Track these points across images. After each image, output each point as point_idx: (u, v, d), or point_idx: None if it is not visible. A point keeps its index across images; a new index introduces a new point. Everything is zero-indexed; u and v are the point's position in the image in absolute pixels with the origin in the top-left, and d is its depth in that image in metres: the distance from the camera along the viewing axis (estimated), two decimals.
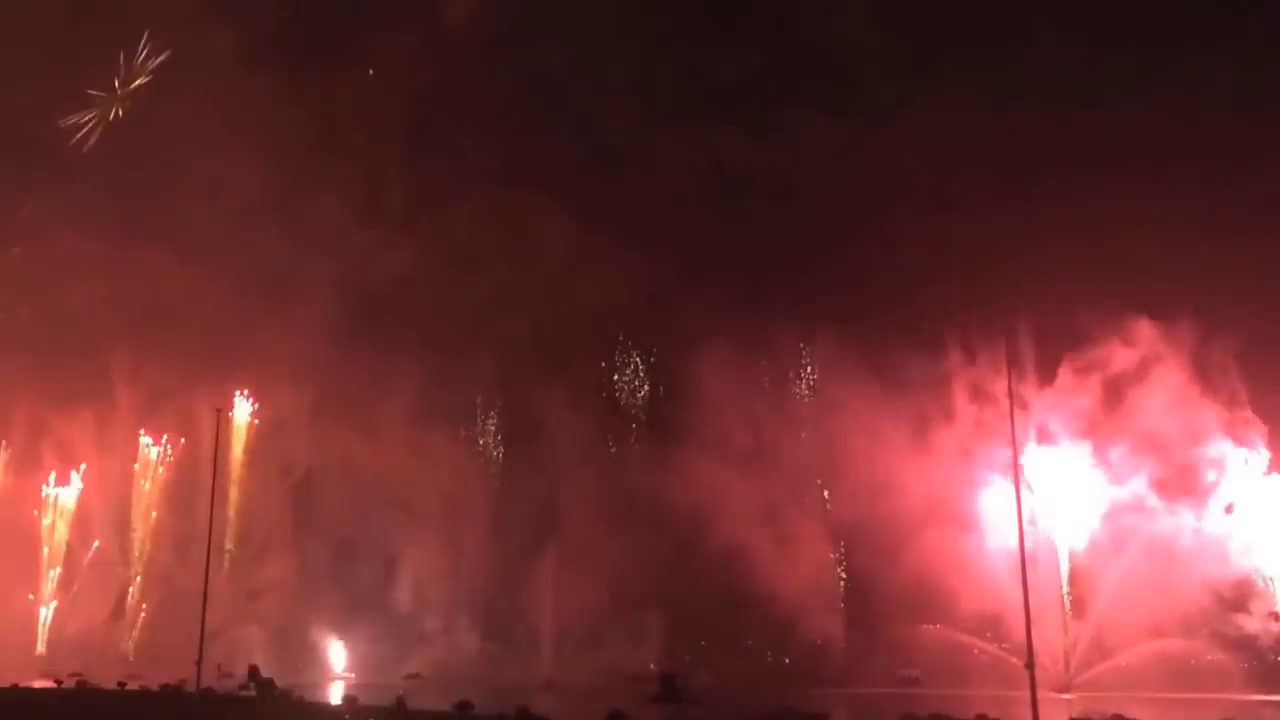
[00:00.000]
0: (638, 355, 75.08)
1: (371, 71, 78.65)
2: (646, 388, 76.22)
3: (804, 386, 73.25)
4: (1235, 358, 59.34)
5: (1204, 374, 59.35)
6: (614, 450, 72.88)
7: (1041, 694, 34.69)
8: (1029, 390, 60.26)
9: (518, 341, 73.10)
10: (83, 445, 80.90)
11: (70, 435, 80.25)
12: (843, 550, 68.85)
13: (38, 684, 64.39)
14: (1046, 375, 61.62)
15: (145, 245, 74.13)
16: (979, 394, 62.74)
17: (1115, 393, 60.04)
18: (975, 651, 62.08)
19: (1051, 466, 60.76)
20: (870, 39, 68.62)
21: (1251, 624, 57.85)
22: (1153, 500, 58.14)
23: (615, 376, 75.43)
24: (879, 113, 69.86)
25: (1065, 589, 60.67)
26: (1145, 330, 59.17)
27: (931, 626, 62.49)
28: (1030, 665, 35.72)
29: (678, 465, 67.84)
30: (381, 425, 71.74)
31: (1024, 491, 43.23)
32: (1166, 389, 58.79)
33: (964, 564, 59.46)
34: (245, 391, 77.82)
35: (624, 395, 75.06)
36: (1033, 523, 52.70)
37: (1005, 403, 60.27)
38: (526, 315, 72.97)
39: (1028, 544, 38.57)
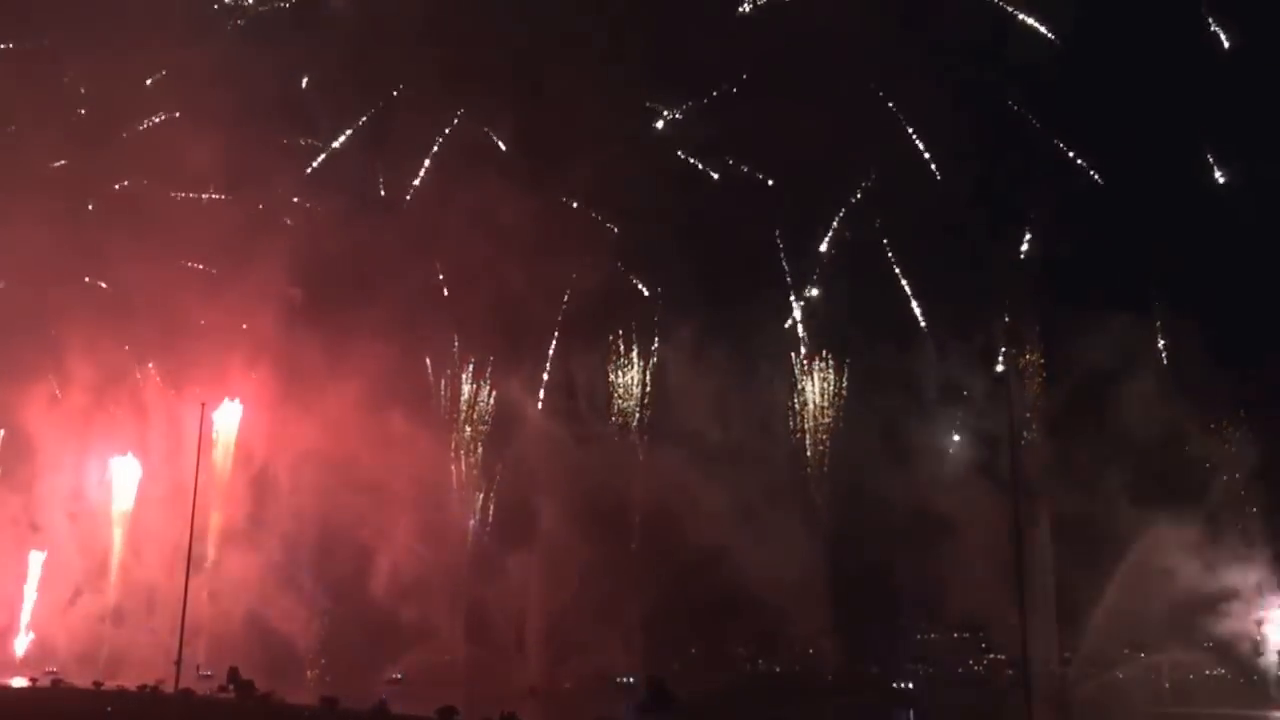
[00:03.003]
0: (610, 344, 73.99)
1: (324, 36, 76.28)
2: (629, 380, 75.08)
3: (783, 380, 72.36)
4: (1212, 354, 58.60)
5: (1181, 372, 58.56)
6: (590, 446, 71.55)
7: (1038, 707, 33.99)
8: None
9: (479, 326, 71.96)
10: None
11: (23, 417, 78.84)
12: (831, 554, 67.94)
13: (15, 682, 63.51)
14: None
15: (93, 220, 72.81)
16: (951, 389, 62.10)
17: (1089, 391, 59.27)
18: (970, 661, 61.56)
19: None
20: (845, 22, 67.86)
21: (1238, 636, 57.07)
22: (1129, 506, 57.28)
23: (586, 367, 74.06)
24: (853, 96, 69.20)
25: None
26: (1123, 325, 58.13)
27: (925, 636, 61.85)
28: (1025, 674, 35.14)
29: (662, 463, 67.21)
30: (339, 413, 70.45)
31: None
32: (1143, 387, 57.74)
33: (952, 569, 58.64)
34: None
35: (599, 388, 73.95)
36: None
37: (982, 401, 61.47)
38: (487, 298, 71.73)
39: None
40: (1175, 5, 61.39)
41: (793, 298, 72.32)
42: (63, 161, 77.78)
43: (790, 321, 72.15)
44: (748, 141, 72.05)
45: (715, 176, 73.08)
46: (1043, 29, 65.45)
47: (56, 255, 72.90)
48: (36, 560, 79.58)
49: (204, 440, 53.88)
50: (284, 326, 71.72)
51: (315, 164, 77.25)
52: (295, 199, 77.83)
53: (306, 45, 74.83)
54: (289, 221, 77.48)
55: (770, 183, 72.70)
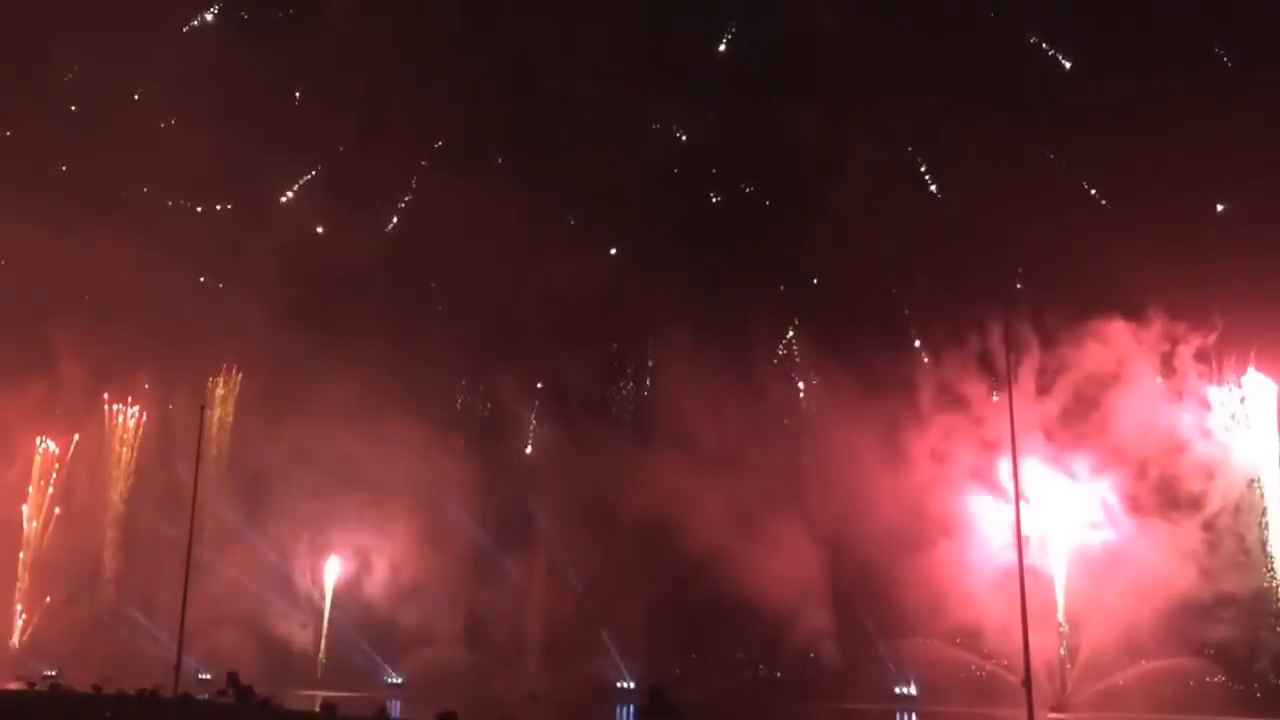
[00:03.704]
0: (607, 347, 73.92)
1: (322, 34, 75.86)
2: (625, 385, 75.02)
3: (784, 386, 72.30)
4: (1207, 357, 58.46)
5: (1179, 377, 58.38)
6: (590, 451, 71.37)
7: (1037, 714, 33.89)
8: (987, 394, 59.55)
9: (476, 330, 71.83)
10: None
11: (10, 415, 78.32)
12: (831, 559, 67.88)
13: (12, 685, 63.18)
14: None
15: (85, 217, 72.30)
16: (948, 395, 61.98)
17: (1084, 398, 59.13)
18: (972, 667, 61.39)
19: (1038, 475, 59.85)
20: (851, 25, 68.00)
21: (1236, 642, 56.90)
22: (1126, 514, 57.07)
23: (582, 373, 73.95)
24: (854, 102, 69.27)
25: (1061, 604, 59.63)
26: (1118, 330, 57.98)
27: (925, 641, 61.77)
28: (1028, 683, 34.91)
29: (660, 468, 67.10)
30: (336, 417, 70.10)
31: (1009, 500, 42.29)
32: (1139, 394, 57.54)
33: (948, 575, 58.53)
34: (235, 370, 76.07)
35: (596, 392, 73.87)
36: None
37: (977, 408, 61.29)
38: (485, 302, 71.52)
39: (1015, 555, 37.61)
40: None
41: (785, 285, 72.36)
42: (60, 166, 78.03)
43: (789, 330, 72.40)
44: (745, 151, 72.44)
45: (715, 199, 73.21)
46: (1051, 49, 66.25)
47: (49, 256, 72.85)
48: (27, 562, 79.55)
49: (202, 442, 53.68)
50: (277, 331, 71.71)
51: (308, 171, 77.46)
52: (287, 203, 77.92)
53: (300, 48, 74.95)
54: (280, 226, 77.64)
55: (765, 194, 73.20)
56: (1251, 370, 57.84)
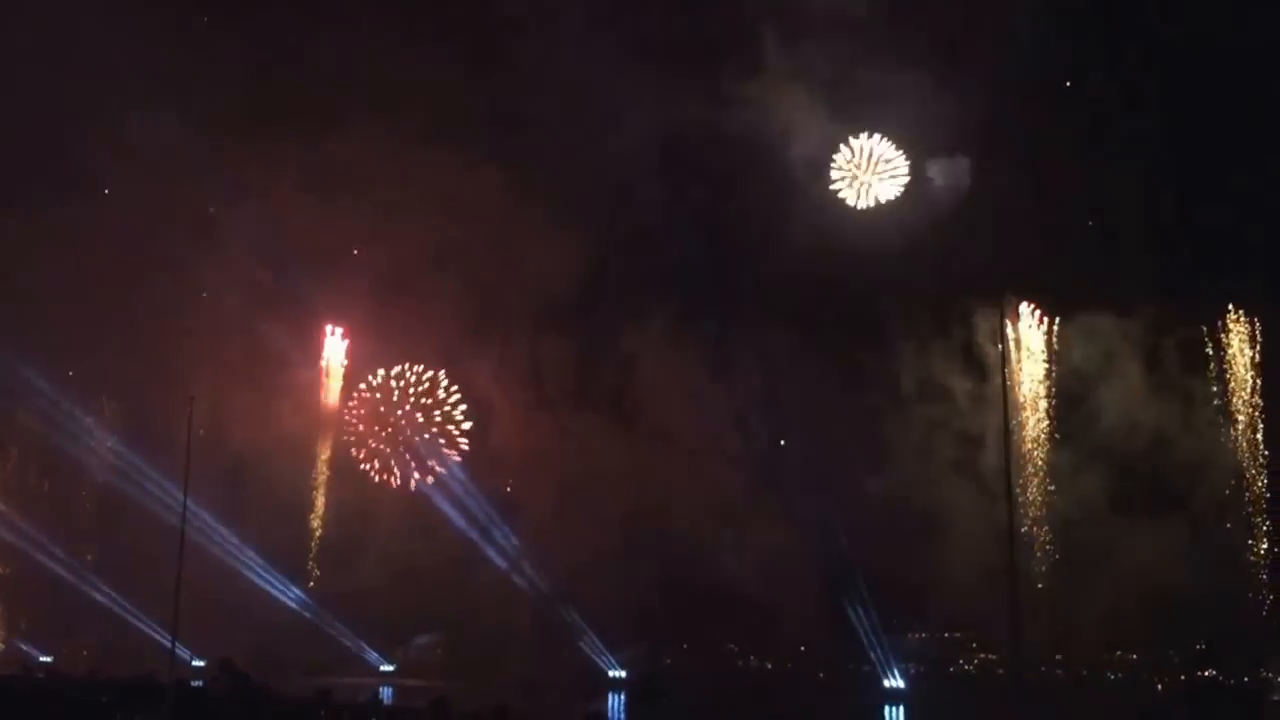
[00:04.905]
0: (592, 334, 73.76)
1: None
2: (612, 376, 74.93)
3: (770, 379, 72.38)
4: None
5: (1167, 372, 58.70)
6: (577, 441, 71.25)
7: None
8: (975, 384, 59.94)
9: (454, 313, 71.67)
10: None
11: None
12: (823, 554, 68.20)
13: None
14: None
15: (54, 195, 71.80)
16: (930, 385, 62.13)
17: (1069, 393, 59.31)
18: (960, 660, 61.91)
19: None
20: (834, 9, 67.59)
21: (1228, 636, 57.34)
22: (1106, 509, 57.47)
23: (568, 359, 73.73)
24: (841, 90, 69.23)
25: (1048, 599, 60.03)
26: (1106, 325, 58.24)
27: (916, 636, 62.16)
28: (1017, 673, 35.43)
29: (649, 459, 67.40)
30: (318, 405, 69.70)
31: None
32: (1127, 389, 57.85)
33: (938, 569, 58.88)
34: None
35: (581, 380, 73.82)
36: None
37: (961, 399, 61.46)
38: (463, 284, 71.39)
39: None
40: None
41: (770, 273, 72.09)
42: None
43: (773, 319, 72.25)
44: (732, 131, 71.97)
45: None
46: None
47: (38, 243, 72.60)
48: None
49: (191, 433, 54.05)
50: (251, 314, 71.67)
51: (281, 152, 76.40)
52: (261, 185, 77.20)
53: (271, 26, 74.22)
54: (255, 208, 77.09)
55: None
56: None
